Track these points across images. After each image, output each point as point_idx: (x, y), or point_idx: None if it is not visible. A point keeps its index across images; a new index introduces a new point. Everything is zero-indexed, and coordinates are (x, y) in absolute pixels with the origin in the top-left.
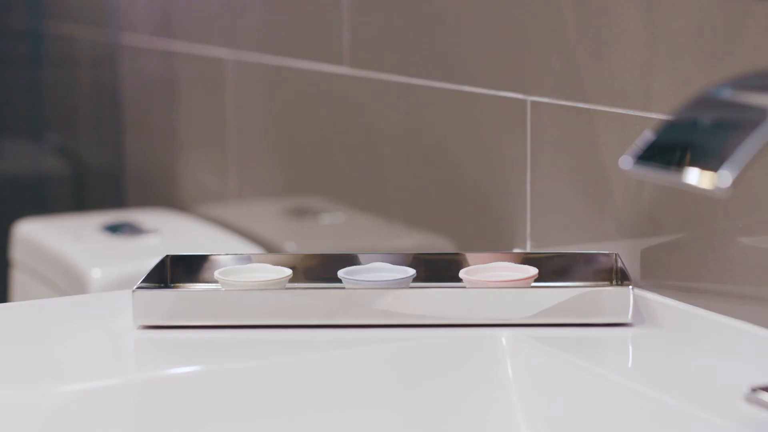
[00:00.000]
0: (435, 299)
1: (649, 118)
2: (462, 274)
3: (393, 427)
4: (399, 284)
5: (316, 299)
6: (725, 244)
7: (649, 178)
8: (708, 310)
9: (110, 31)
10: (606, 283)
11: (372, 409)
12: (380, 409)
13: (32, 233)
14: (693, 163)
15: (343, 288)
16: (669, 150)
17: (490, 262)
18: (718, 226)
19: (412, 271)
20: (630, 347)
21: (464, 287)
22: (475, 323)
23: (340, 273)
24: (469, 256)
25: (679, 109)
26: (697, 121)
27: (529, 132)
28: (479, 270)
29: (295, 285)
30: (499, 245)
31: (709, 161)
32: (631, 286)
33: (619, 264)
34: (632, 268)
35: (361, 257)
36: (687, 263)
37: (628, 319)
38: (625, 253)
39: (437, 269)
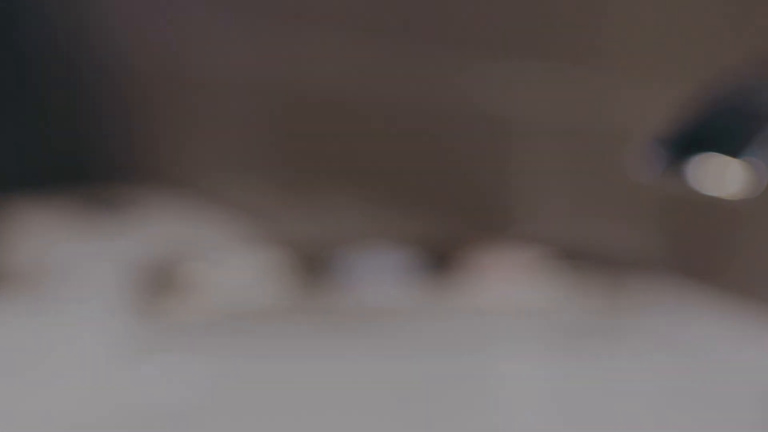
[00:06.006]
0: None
1: (673, 92)
2: (460, 269)
3: None
4: (398, 281)
5: (305, 302)
6: (751, 236)
7: (670, 173)
8: (728, 308)
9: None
10: (616, 270)
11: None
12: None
13: None
14: (717, 156)
15: (338, 289)
16: (693, 141)
17: (491, 248)
18: (744, 216)
19: (409, 266)
20: (642, 345)
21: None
22: (476, 319)
23: (335, 269)
24: (465, 245)
25: (702, 94)
26: (724, 109)
27: (529, 103)
28: (480, 260)
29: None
30: (495, 227)
31: (735, 151)
32: (642, 275)
33: (631, 250)
34: (645, 255)
35: (354, 249)
36: (709, 252)
37: (642, 313)
38: (639, 238)
39: (432, 258)
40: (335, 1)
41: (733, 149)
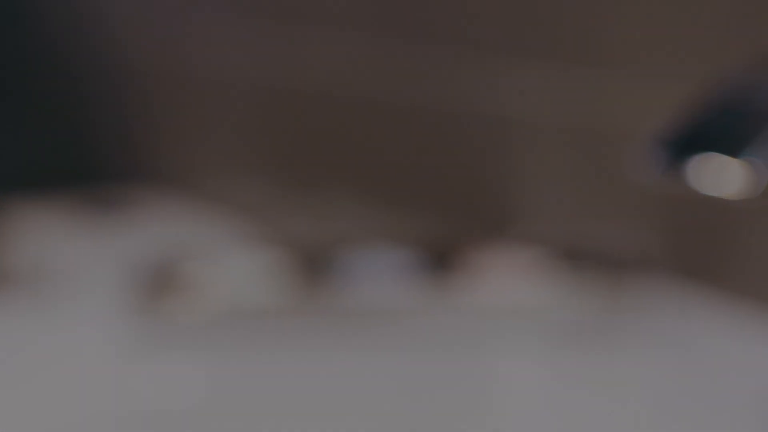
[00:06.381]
0: (433, 299)
1: (673, 92)
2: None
3: None
4: (398, 281)
5: (304, 301)
6: (751, 236)
7: (672, 174)
8: (728, 308)
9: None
10: (616, 270)
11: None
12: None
13: None
14: (720, 155)
15: (335, 290)
16: (693, 141)
17: (491, 248)
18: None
19: (409, 266)
20: (642, 345)
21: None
22: (474, 322)
23: (335, 269)
24: (465, 245)
25: (702, 94)
26: (724, 109)
27: (529, 103)
28: (480, 260)
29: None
30: (495, 227)
31: (737, 151)
32: (642, 275)
33: (631, 250)
34: (645, 255)
35: (354, 249)
36: (709, 252)
37: (642, 313)
38: (639, 238)
39: (432, 258)
40: (335, 1)
41: (733, 149)
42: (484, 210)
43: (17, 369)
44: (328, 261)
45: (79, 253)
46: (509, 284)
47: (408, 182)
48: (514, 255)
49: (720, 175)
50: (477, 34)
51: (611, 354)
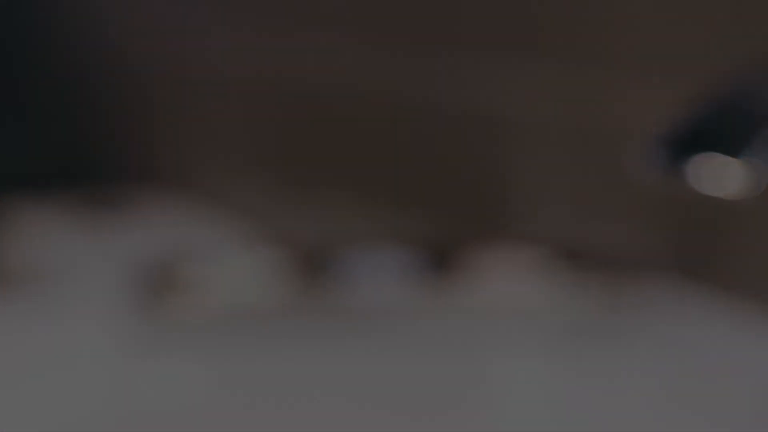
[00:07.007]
0: (432, 299)
1: (673, 92)
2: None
3: None
4: (398, 281)
5: (301, 302)
6: (751, 236)
7: (671, 173)
8: (728, 308)
9: None
10: (616, 270)
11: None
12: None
13: None
14: (719, 154)
15: (334, 290)
16: (693, 141)
17: (491, 248)
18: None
19: (409, 266)
20: (642, 344)
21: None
22: (474, 324)
23: (335, 269)
24: (465, 245)
25: (702, 94)
26: (724, 109)
27: (529, 103)
28: (480, 260)
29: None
30: (495, 226)
31: (737, 151)
32: (642, 275)
33: (631, 250)
34: (645, 255)
35: (354, 249)
36: (709, 252)
37: (642, 313)
38: (639, 238)
39: (432, 258)
40: (336, 2)
41: (733, 149)
42: (484, 210)
43: (17, 368)
44: (328, 261)
45: (79, 253)
46: (509, 284)
47: (407, 182)
48: (514, 255)
49: (720, 175)
50: (476, 34)
51: (611, 354)
